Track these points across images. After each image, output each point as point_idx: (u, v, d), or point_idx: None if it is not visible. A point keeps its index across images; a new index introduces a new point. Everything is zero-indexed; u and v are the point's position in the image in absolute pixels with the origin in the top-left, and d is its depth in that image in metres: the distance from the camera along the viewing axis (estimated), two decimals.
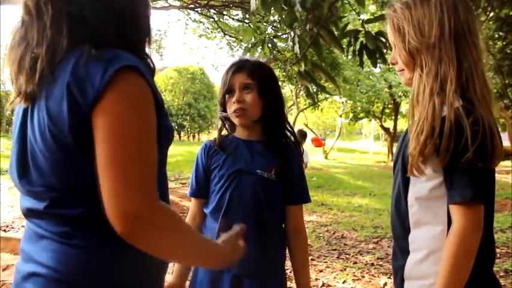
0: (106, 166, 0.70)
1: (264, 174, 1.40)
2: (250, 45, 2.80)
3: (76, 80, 0.71)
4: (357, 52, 2.51)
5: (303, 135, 9.71)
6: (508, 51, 5.88)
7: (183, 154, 14.53)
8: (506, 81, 6.72)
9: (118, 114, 0.71)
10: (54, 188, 0.76)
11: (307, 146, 8.56)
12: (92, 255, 0.75)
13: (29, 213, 0.81)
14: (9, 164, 0.84)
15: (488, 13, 4.64)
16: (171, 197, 6.57)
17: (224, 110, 1.46)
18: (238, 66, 1.44)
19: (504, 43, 5.78)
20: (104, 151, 0.70)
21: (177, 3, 10.29)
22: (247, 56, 2.62)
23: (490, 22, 5.44)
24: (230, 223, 1.26)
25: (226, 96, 1.44)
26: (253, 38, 2.78)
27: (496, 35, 5.73)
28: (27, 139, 0.78)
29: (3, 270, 3.35)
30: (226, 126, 1.51)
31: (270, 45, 2.65)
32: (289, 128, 1.50)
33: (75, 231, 0.75)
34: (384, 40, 2.50)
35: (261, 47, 2.65)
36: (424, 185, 1.07)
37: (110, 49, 0.74)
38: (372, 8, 8.55)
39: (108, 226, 0.70)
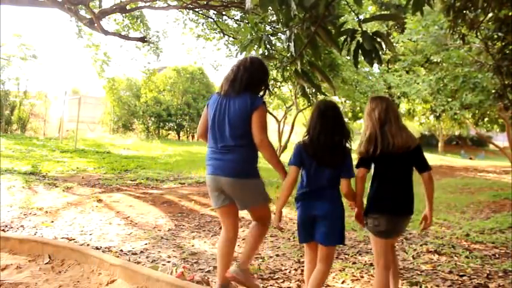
0: (256, 126, 2.70)
1: None
2: (246, 43, 2.78)
3: (251, 103, 2.71)
4: (352, 52, 2.50)
5: None
6: (507, 51, 5.88)
7: (182, 154, 14.50)
8: (506, 82, 6.72)
9: (260, 114, 2.72)
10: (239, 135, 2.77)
11: None
12: (251, 154, 2.82)
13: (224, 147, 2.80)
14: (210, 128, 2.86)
15: (487, 14, 4.65)
16: (170, 197, 6.57)
17: None
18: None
19: (503, 43, 5.77)
20: (255, 123, 2.70)
21: (175, 3, 10.29)
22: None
23: (489, 23, 5.45)
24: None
25: None
26: (249, 35, 2.77)
27: (495, 36, 5.74)
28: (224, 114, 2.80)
29: (2, 270, 3.32)
30: None
31: (266, 42, 2.64)
32: None
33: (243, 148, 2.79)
34: (380, 41, 2.49)
35: (257, 45, 2.64)
36: None
37: (255, 94, 2.80)
38: (371, 8, 8.55)
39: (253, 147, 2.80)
